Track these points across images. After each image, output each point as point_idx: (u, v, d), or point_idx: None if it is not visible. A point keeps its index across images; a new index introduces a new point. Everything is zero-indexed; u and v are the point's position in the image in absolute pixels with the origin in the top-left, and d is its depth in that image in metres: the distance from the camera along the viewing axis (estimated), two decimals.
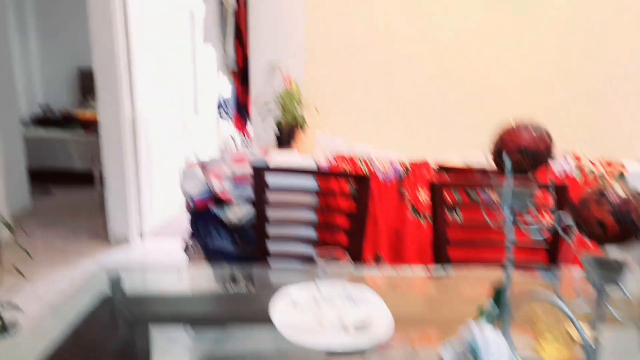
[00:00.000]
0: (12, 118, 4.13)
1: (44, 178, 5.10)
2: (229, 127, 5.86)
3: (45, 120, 5.64)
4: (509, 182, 0.84)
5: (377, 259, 2.12)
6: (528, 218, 0.85)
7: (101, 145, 3.45)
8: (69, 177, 5.21)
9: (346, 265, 0.99)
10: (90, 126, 5.27)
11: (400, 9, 3.25)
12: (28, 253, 1.94)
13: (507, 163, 0.82)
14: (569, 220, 0.77)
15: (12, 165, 3.99)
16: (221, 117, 6.14)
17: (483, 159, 1.05)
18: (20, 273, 1.89)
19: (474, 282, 1.40)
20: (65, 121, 5.57)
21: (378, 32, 3.28)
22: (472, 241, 1.59)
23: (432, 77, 3.37)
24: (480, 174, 2.13)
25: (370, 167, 2.12)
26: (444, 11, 3.23)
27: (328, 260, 0.99)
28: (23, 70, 5.70)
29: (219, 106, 6.13)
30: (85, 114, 5.40)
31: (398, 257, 2.20)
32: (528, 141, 0.81)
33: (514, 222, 0.86)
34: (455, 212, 1.82)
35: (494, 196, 1.47)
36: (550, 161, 0.85)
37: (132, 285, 1.30)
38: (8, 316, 1.81)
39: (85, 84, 6.28)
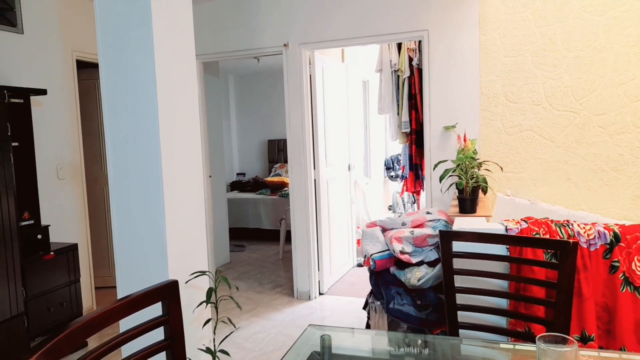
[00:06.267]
0: (220, 186, 4.93)
1: (239, 235, 5.87)
2: (397, 188, 5.99)
3: (240, 185, 6.60)
4: None
5: (585, 339, 1.85)
6: None
7: (291, 205, 3.86)
8: (258, 234, 5.90)
9: (573, 347, 0.90)
10: (276, 189, 5.96)
11: (581, 58, 3.00)
12: (239, 306, 2.21)
13: None
14: None
15: (218, 225, 4.72)
16: (391, 179, 6.34)
17: None
18: (232, 324, 2.16)
19: None
20: (255, 185, 6.43)
21: (564, 83, 3.06)
22: None
23: (636, 126, 2.96)
24: None
25: (570, 231, 1.92)
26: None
27: (548, 340, 0.91)
28: (226, 145, 6.83)
29: (388, 168, 6.34)
30: (272, 179, 6.15)
31: (611, 337, 1.88)
32: None
33: None
34: None
35: None
36: None
37: (336, 343, 1.39)
38: None
39: (271, 154, 7.21)
